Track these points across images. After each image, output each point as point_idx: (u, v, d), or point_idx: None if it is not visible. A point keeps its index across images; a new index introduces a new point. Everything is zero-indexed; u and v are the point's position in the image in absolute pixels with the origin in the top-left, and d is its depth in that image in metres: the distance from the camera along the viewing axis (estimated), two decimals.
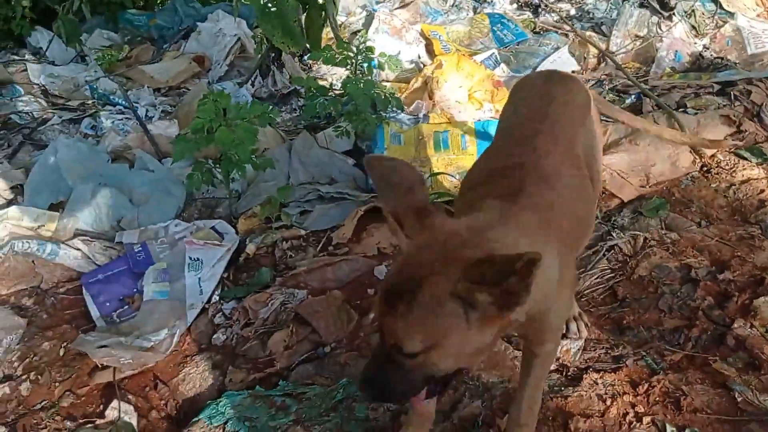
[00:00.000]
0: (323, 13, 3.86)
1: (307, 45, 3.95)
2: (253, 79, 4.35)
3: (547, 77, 2.43)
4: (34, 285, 3.24)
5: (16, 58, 5.70)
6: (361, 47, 3.63)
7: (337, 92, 3.81)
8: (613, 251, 3.15)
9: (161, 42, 5.68)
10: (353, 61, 3.65)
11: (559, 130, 2.04)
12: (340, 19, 5.17)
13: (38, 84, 5.10)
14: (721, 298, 2.75)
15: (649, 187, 3.60)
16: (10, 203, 3.74)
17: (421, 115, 3.93)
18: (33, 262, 3.24)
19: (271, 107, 3.38)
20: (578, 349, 2.58)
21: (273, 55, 4.28)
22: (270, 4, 3.69)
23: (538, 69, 4.72)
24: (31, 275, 3.25)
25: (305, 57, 4.57)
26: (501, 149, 2.13)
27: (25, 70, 5.34)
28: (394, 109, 3.74)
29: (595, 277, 3.05)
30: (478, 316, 1.39)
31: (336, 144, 3.89)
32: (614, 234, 3.24)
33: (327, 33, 4.26)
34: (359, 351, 2.76)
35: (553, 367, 2.49)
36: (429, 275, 1.39)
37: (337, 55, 3.62)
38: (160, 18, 5.74)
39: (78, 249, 3.30)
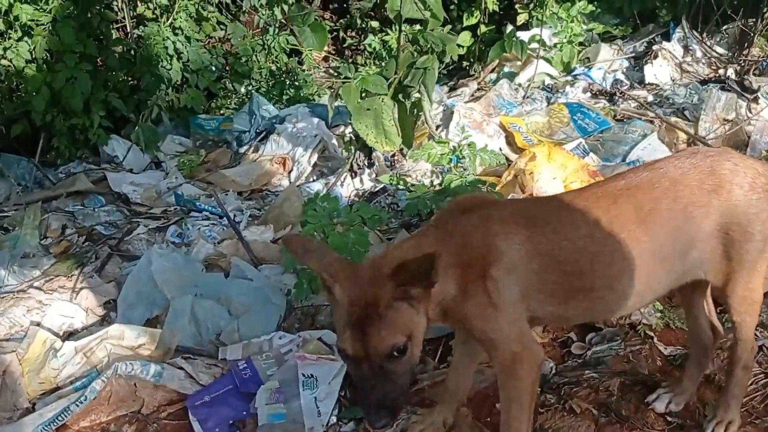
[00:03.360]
0: (415, 110, 3.80)
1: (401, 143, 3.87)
2: (342, 179, 4.27)
3: None
4: (135, 410, 3.05)
5: (93, 167, 5.76)
6: (462, 142, 3.53)
7: (437, 189, 3.70)
8: (762, 353, 2.89)
9: (236, 145, 5.71)
10: (455, 156, 3.55)
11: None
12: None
13: (120, 193, 5.10)
14: None
15: None
16: (103, 320, 3.61)
17: None
18: (135, 384, 3.06)
19: (381, 209, 3.25)
20: None
21: (362, 155, 4.22)
22: (365, 105, 3.64)
23: (629, 157, 4.59)
24: (131, 399, 3.06)
25: (393, 155, 4.50)
26: None
27: (104, 179, 5.36)
28: None
29: (749, 383, 2.77)
30: (415, 302, 1.94)
31: None
32: (757, 333, 2.97)
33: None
34: None
35: None
36: (377, 294, 1.89)
37: (438, 152, 3.53)
38: (237, 122, 5.79)
39: (181, 368, 3.12)
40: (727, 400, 2.48)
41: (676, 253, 2.19)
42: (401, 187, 4.23)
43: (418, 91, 3.74)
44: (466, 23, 7.72)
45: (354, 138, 4.03)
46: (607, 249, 2.13)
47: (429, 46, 3.63)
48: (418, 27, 3.90)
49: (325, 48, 8.60)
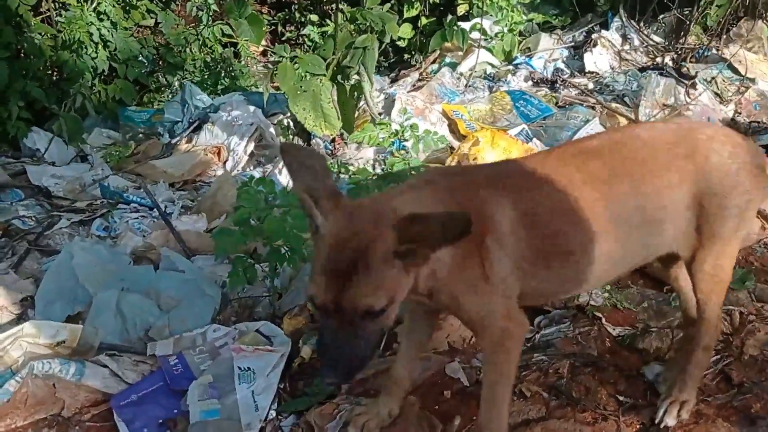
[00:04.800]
0: (355, 93, 3.65)
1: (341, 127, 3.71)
2: (280, 168, 4.07)
3: None
4: (55, 413, 2.78)
5: (12, 161, 5.36)
6: (404, 124, 3.40)
7: (379, 174, 3.55)
8: None
9: (168, 137, 5.42)
10: (395, 140, 3.41)
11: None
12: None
13: (40, 186, 4.75)
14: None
15: None
16: (19, 319, 3.32)
17: None
18: (54, 385, 2.80)
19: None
20: None
21: (300, 140, 4.03)
22: (302, 86, 3.46)
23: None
24: (50, 401, 2.79)
25: (333, 141, 4.33)
26: None
27: (24, 172, 5.00)
28: None
29: None
30: (412, 266, 1.67)
31: None
32: None
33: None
34: None
35: None
36: (370, 242, 1.60)
37: (379, 135, 3.38)
38: (168, 112, 5.50)
39: (105, 366, 2.87)
40: (684, 379, 2.36)
41: (651, 221, 2.06)
42: (342, 173, 4.07)
43: (358, 73, 3.58)
44: (406, 15, 7.63)
45: (292, 123, 3.84)
46: (581, 208, 1.99)
47: (368, 24, 3.49)
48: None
49: (263, 42, 8.37)
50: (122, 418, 2.68)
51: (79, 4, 5.56)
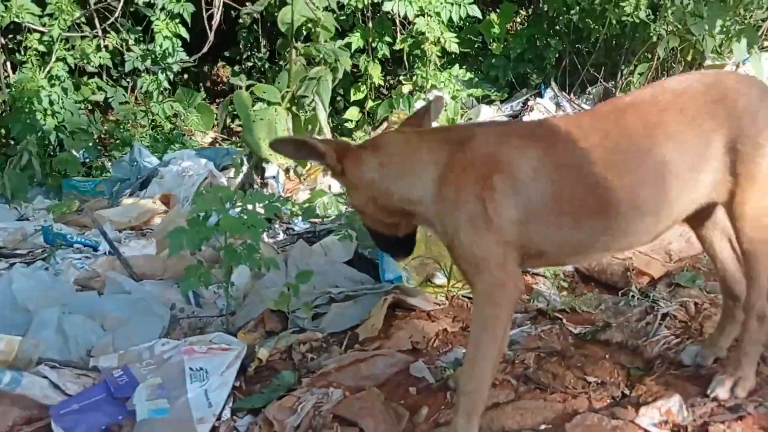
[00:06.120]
0: (310, 126, 3.73)
1: None
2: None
3: None
4: None
5: None
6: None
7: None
8: (668, 319, 2.89)
9: (114, 196, 5.31)
10: None
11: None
12: None
13: None
14: None
15: (673, 263, 3.48)
16: None
17: None
18: None
19: (277, 197, 3.06)
20: (680, 406, 2.18)
21: (254, 174, 4.04)
22: (257, 114, 3.53)
23: None
24: None
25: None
26: None
27: None
28: None
29: (662, 344, 2.74)
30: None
31: (335, 255, 3.56)
32: (662, 303, 3.01)
33: None
34: None
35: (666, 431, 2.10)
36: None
37: None
38: (116, 170, 5.44)
39: (45, 377, 2.65)
40: (738, 356, 2.17)
41: (688, 169, 2.01)
42: (294, 209, 4.07)
43: (313, 101, 3.68)
44: (353, 98, 7.95)
45: (245, 159, 3.86)
46: (618, 159, 2.00)
47: (322, 56, 3.63)
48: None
49: (213, 130, 8.50)
50: (62, 425, 2.46)
51: (33, 67, 5.58)
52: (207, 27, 4.65)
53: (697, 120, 2.00)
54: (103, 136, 6.70)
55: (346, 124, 8.03)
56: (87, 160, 6.45)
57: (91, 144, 6.35)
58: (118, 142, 6.64)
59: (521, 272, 2.15)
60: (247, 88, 3.57)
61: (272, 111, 3.56)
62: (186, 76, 8.73)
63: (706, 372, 2.41)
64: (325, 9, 3.53)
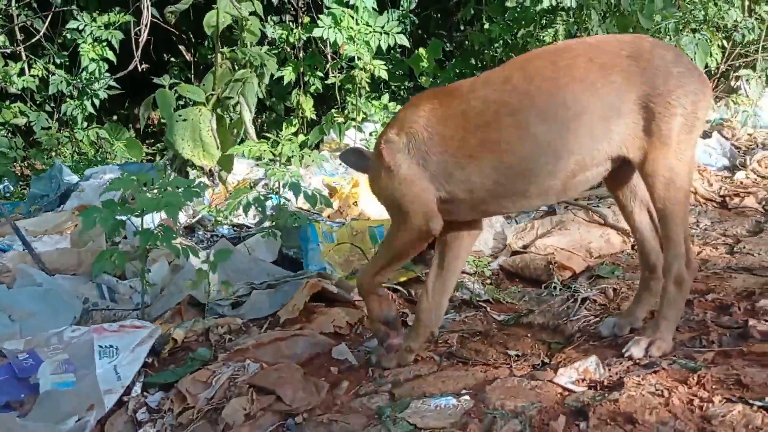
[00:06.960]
0: (235, 130, 3.71)
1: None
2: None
3: None
4: None
5: None
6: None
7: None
8: (588, 302, 2.95)
9: (33, 213, 5.07)
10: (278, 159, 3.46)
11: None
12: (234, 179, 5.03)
13: None
14: (719, 310, 2.59)
15: (593, 259, 3.57)
16: None
17: (348, 220, 3.72)
18: None
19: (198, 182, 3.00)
20: (596, 365, 2.21)
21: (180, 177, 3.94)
22: (180, 114, 3.49)
23: None
24: None
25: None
26: None
27: None
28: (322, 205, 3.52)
29: (581, 322, 2.79)
30: None
31: (259, 255, 3.50)
32: (582, 291, 3.07)
33: None
34: (336, 422, 2.16)
35: (583, 387, 2.11)
36: None
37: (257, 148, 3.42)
38: (35, 186, 5.21)
39: None
40: (657, 320, 2.19)
41: (599, 117, 2.04)
42: (220, 219, 4.01)
43: (238, 104, 3.67)
44: (285, 131, 7.94)
45: (169, 162, 3.79)
46: (513, 100, 2.07)
47: (247, 59, 3.65)
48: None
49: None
50: None
51: None
52: (134, 46, 4.60)
53: (608, 69, 2.05)
54: (22, 163, 6.44)
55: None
56: (8, 195, 6.20)
57: (11, 168, 6.09)
58: (40, 170, 6.39)
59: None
60: (171, 87, 3.53)
61: (196, 111, 3.52)
62: (116, 117, 8.55)
63: (622, 341, 2.45)
64: (252, 14, 3.57)
